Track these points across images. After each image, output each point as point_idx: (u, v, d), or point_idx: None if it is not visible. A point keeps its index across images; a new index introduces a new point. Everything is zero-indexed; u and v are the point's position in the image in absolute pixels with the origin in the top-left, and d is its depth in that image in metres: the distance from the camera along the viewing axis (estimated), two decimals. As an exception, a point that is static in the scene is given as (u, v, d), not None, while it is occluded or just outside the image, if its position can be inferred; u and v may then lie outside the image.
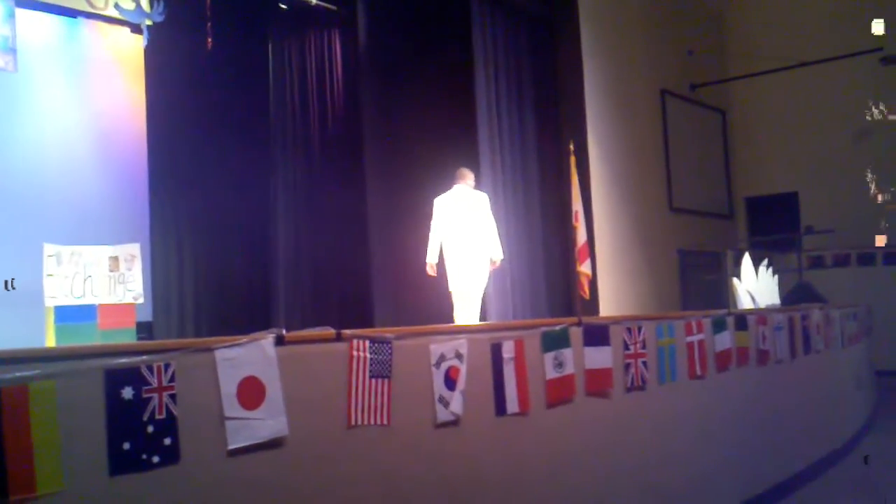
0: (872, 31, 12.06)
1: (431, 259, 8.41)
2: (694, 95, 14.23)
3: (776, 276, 9.47)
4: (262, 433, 3.23)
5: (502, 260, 8.68)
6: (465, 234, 8.37)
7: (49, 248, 6.31)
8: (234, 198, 11.43)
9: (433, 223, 8.51)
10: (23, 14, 8.84)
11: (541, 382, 4.54)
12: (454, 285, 8.42)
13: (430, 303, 9.93)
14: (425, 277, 9.46)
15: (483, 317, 8.63)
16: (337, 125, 12.07)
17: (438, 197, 8.59)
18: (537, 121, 11.05)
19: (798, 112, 14.91)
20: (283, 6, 11.02)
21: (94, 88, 10.56)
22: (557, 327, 4.73)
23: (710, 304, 9.50)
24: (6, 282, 5.93)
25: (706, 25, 15.06)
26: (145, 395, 2.91)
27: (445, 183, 9.29)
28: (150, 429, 2.91)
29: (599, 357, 4.98)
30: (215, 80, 11.17)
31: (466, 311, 8.32)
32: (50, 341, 6.15)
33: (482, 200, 8.53)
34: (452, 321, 8.28)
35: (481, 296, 8.50)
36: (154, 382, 2.93)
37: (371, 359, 3.67)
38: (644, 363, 5.32)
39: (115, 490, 2.82)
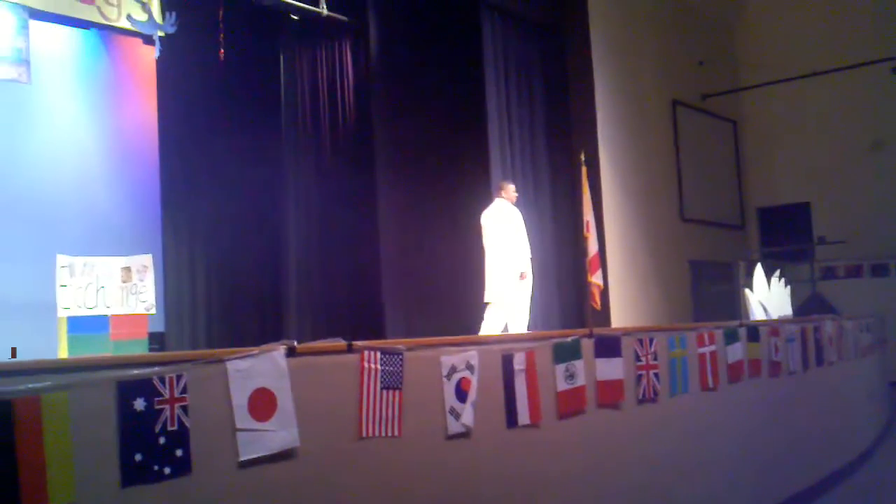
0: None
1: (523, 266, 8.64)
2: (705, 105, 14.20)
3: (788, 287, 9.43)
4: (274, 444, 3.23)
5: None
6: (504, 249, 8.59)
7: (62, 259, 6.33)
8: (246, 208, 11.46)
9: (485, 239, 8.70)
10: (36, 26, 8.89)
11: (552, 394, 4.53)
12: (491, 297, 8.58)
13: (442, 314, 9.93)
14: (437, 288, 9.56)
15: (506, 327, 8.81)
16: (348, 136, 12.08)
17: (484, 212, 8.82)
18: (548, 131, 11.06)
19: (810, 122, 14.88)
20: (295, 17, 11.04)
21: (107, 100, 10.61)
22: (569, 339, 4.72)
23: (722, 316, 9.47)
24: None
25: (717, 35, 15.05)
26: (157, 407, 2.91)
27: (457, 194, 9.39)
28: (162, 440, 2.91)
29: (611, 368, 4.97)
30: (227, 91, 11.21)
31: (513, 322, 8.57)
32: (62, 352, 6.17)
33: (517, 216, 8.81)
34: (466, 332, 8.29)
35: (528, 305, 8.78)
36: (166, 394, 2.94)
37: (382, 370, 3.66)
38: (656, 375, 5.30)
39: (126, 501, 2.82)
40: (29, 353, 3.09)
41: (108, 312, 6.43)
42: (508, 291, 8.54)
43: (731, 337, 6.23)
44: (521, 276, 8.66)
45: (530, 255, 8.87)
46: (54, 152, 9.89)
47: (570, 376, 4.65)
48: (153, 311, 6.78)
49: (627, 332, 5.26)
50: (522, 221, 8.85)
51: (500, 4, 10.54)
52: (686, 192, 13.17)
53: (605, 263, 10.44)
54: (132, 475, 2.83)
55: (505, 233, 8.66)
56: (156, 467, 2.89)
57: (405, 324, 10.62)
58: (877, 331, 10.05)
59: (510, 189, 8.92)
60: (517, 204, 9.02)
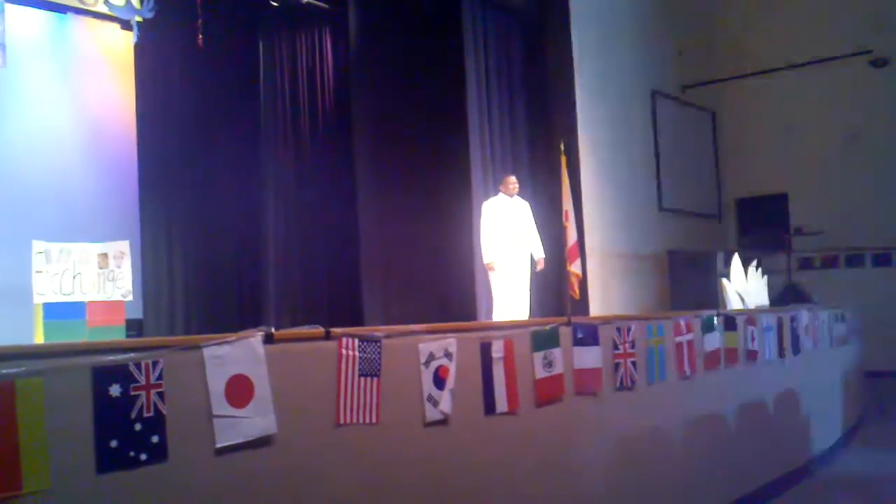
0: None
1: (489, 258, 9.05)
2: (684, 96, 14.24)
3: (765, 277, 9.49)
4: (251, 431, 3.22)
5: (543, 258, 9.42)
6: (506, 238, 9.05)
7: (38, 245, 6.29)
8: (225, 195, 11.42)
9: (483, 225, 9.16)
10: (12, 9, 8.81)
11: (530, 382, 4.54)
12: (497, 283, 9.09)
13: (421, 301, 9.95)
14: (416, 276, 9.59)
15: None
16: (327, 123, 12.06)
17: (486, 202, 9.32)
18: (528, 121, 11.06)
19: (788, 113, 14.92)
20: (275, 3, 10.99)
21: (84, 85, 10.53)
22: (547, 327, 4.73)
23: (699, 305, 9.51)
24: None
25: (696, 26, 15.07)
26: (133, 393, 2.89)
27: (436, 182, 9.43)
28: (138, 426, 2.89)
29: (589, 357, 4.98)
30: (206, 78, 11.15)
31: (512, 306, 9.04)
32: (38, 338, 6.13)
33: (524, 207, 9.28)
34: (448, 320, 8.35)
35: (528, 291, 9.28)
36: (142, 380, 2.92)
37: (360, 357, 3.66)
38: (633, 363, 5.33)
39: (102, 488, 2.80)
40: (3, 339, 3.06)
41: (85, 299, 6.39)
42: (510, 278, 9.02)
43: (708, 326, 6.27)
44: (489, 267, 9.04)
45: (539, 246, 9.35)
46: (30, 137, 9.82)
47: (548, 364, 4.66)
48: (130, 297, 6.75)
49: (606, 320, 5.27)
50: (519, 214, 9.22)
51: (480, -8, 10.54)
52: (665, 183, 13.22)
53: (584, 253, 10.48)
54: (108, 461, 2.81)
55: (492, 225, 9.04)
56: (132, 454, 2.87)
57: (384, 311, 10.63)
58: (853, 320, 10.13)
59: (507, 182, 9.31)
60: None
